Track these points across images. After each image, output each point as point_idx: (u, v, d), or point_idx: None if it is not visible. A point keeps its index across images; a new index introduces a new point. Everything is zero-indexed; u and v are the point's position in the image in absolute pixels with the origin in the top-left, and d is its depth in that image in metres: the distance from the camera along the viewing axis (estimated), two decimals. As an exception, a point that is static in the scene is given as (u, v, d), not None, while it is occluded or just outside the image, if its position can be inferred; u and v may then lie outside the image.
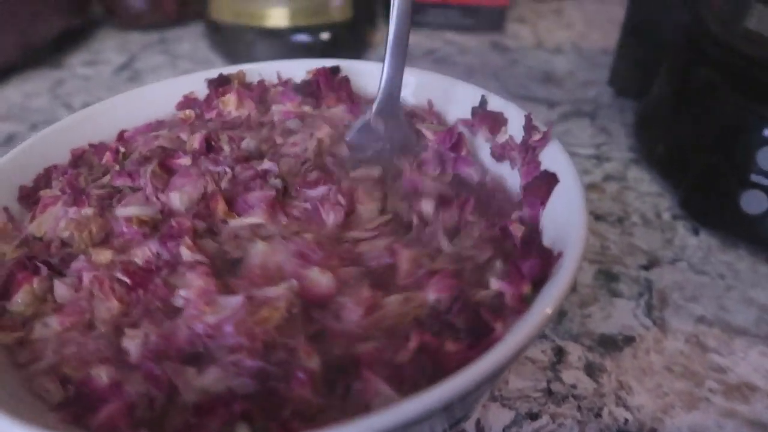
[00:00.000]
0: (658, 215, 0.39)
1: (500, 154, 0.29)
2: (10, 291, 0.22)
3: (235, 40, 0.59)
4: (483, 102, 0.30)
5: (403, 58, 0.29)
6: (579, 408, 0.27)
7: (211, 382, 0.19)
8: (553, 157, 0.26)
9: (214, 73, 0.33)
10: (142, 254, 0.23)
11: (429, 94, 0.32)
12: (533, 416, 0.27)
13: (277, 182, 0.27)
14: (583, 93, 0.53)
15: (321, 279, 0.22)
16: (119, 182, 0.27)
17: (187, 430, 0.18)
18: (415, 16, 0.65)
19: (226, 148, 0.29)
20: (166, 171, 0.27)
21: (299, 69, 0.34)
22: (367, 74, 0.34)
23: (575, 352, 0.30)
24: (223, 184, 0.27)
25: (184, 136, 0.30)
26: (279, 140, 0.30)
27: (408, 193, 0.27)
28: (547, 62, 0.59)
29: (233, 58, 0.60)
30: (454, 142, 0.29)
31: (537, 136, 0.26)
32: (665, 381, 0.29)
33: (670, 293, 0.33)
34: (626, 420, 0.27)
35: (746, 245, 0.36)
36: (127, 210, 0.25)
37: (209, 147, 0.29)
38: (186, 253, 0.23)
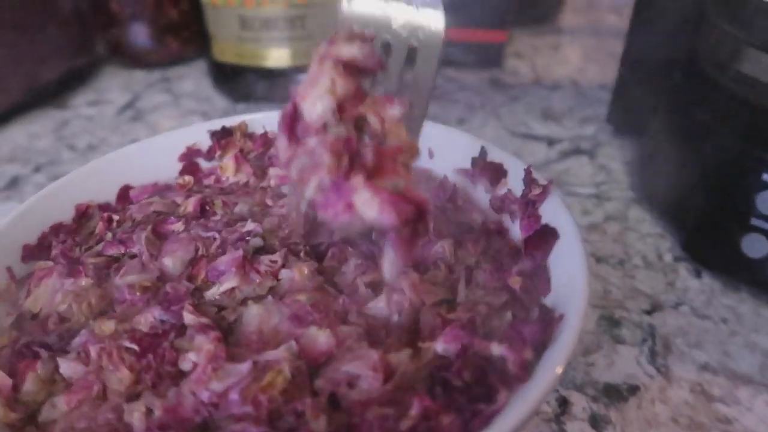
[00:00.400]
0: (660, 257, 0.39)
1: (500, 206, 0.29)
2: (17, 381, 0.22)
3: (238, 80, 0.59)
4: (483, 153, 0.30)
5: None
6: (584, 463, 0.27)
7: None
8: (553, 212, 0.26)
9: (216, 125, 0.33)
10: (145, 321, 0.23)
11: (429, 144, 0.33)
12: (538, 472, 0.27)
13: (257, 240, 0.27)
14: (582, 130, 0.54)
15: (319, 336, 0.22)
16: (112, 251, 0.27)
17: None
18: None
19: (220, 212, 0.29)
20: (159, 237, 0.28)
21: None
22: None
23: (579, 403, 0.30)
24: (212, 249, 0.27)
25: (179, 200, 0.30)
26: (269, 203, 0.31)
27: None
28: (546, 99, 0.59)
29: (236, 96, 0.61)
30: (449, 195, 0.30)
31: (537, 191, 0.26)
32: (671, 433, 0.28)
33: (673, 339, 0.33)
34: (632, 475, 0.27)
35: (749, 288, 0.36)
36: (127, 279, 0.25)
37: (203, 211, 0.30)
38: (189, 318, 0.23)
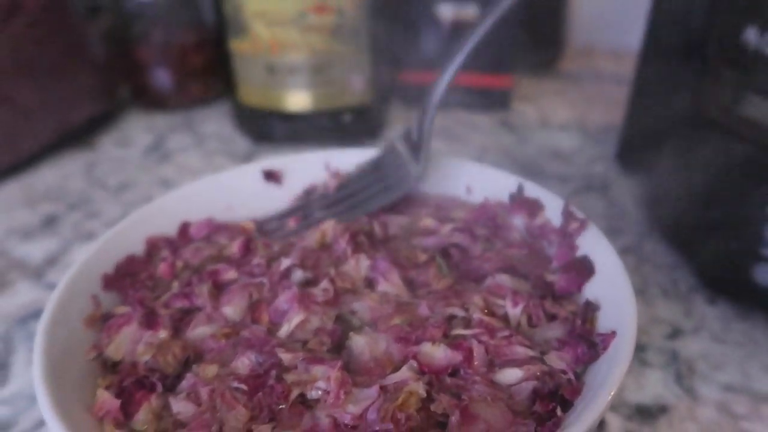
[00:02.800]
0: (676, 286, 0.42)
1: (538, 234, 0.31)
2: (131, 411, 0.24)
3: (261, 122, 0.62)
4: (520, 188, 0.33)
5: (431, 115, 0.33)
6: (626, 477, 0.29)
7: None
8: (593, 244, 0.28)
9: (267, 165, 0.36)
10: (243, 365, 0.25)
11: (467, 181, 0.35)
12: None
13: (299, 274, 0.30)
14: (591, 168, 0.57)
15: (435, 352, 0.24)
16: (179, 304, 0.29)
17: None
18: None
19: (261, 252, 0.32)
20: (218, 287, 0.30)
21: (348, 159, 0.37)
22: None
23: (615, 422, 0.32)
24: (265, 293, 0.29)
25: (223, 240, 0.33)
26: (293, 240, 0.33)
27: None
28: (554, 139, 0.63)
29: (258, 137, 0.64)
30: (491, 215, 0.32)
31: (575, 225, 0.29)
32: (703, 448, 0.30)
33: (696, 362, 0.36)
34: (671, 488, 0.28)
35: (761, 314, 0.39)
36: (197, 331, 0.27)
37: (247, 250, 0.32)
38: (286, 357, 0.24)
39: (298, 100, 0.60)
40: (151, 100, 0.72)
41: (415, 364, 0.23)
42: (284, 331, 0.27)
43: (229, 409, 0.23)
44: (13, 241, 0.49)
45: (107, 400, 0.23)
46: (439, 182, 0.36)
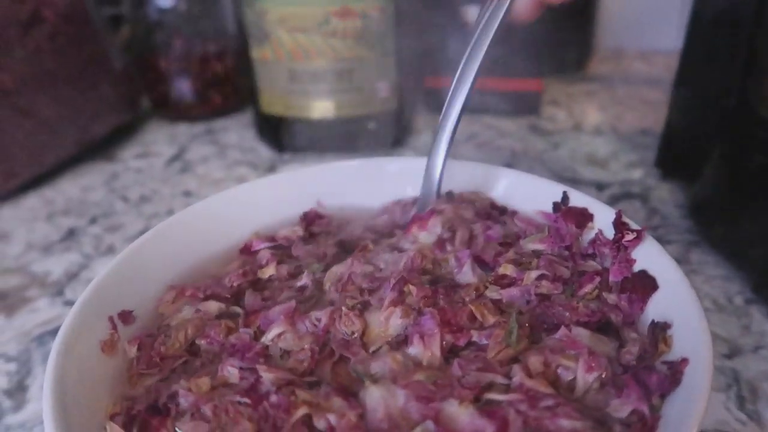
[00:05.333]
0: (730, 300, 0.39)
1: (590, 252, 0.29)
2: None
3: (284, 130, 0.61)
4: (565, 197, 0.31)
5: (443, 156, 0.32)
6: None
7: None
8: (651, 258, 0.26)
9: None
10: (230, 374, 0.24)
11: (507, 189, 0.33)
12: None
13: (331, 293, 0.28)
14: (629, 174, 0.54)
15: (461, 414, 0.20)
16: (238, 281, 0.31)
17: None
18: (454, 102, 0.67)
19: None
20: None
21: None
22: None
23: (674, 451, 0.29)
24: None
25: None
26: None
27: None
28: (588, 144, 0.60)
29: (281, 146, 0.62)
30: (568, 242, 0.29)
31: (630, 236, 0.26)
32: (776, 482, 0.27)
33: (759, 384, 0.33)
34: None
35: (827, 330, 0.36)
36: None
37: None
38: (267, 376, 0.23)
39: (321, 107, 0.58)
40: (172, 111, 0.71)
41: (432, 426, 0.20)
42: (263, 339, 0.26)
43: (235, 424, 0.21)
44: (33, 256, 0.47)
45: None
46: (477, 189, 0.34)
